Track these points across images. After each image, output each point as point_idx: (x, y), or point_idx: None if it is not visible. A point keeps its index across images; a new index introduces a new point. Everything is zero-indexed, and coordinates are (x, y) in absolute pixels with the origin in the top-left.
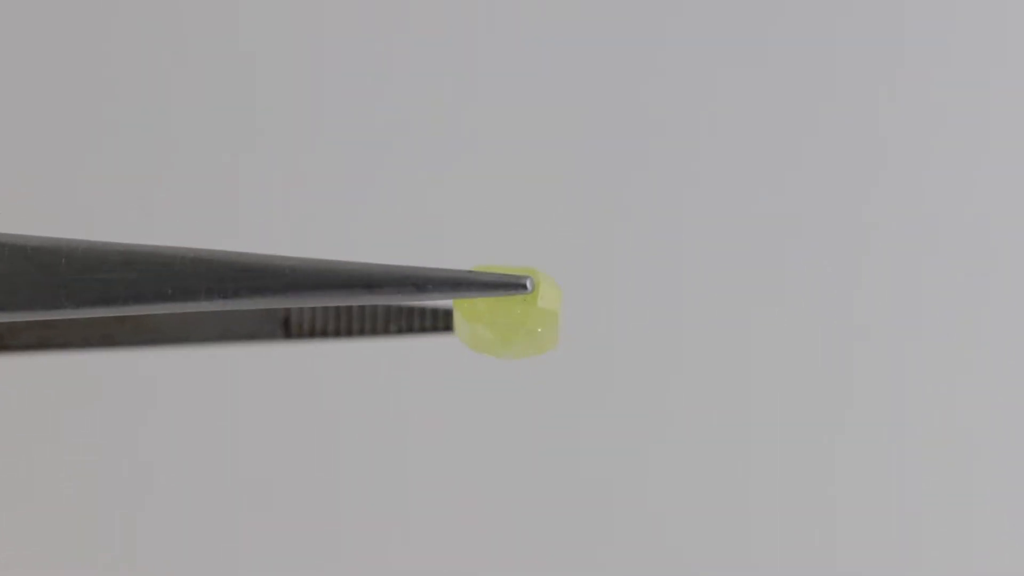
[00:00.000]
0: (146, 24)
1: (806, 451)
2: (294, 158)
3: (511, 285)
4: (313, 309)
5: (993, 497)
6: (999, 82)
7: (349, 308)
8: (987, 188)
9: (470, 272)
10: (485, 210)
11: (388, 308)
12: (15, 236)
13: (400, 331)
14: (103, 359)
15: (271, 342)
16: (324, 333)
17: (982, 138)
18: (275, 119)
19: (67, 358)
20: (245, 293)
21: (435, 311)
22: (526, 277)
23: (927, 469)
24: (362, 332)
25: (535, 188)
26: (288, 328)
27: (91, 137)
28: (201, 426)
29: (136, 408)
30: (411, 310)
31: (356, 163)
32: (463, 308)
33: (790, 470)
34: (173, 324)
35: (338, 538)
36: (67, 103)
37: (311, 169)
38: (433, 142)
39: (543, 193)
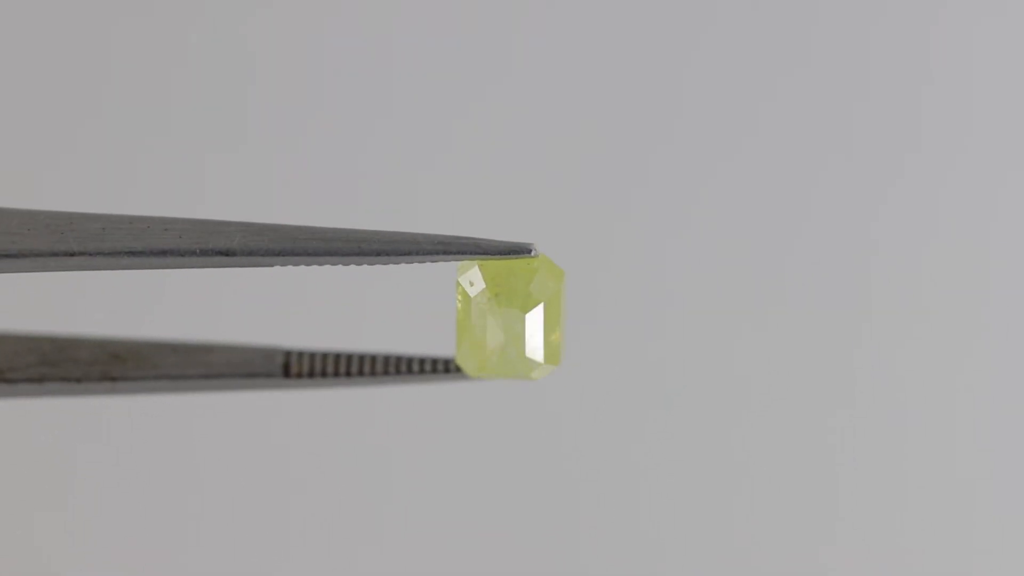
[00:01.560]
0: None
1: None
2: (294, 148)
3: (515, 250)
4: (312, 354)
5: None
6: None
7: (350, 354)
8: (986, 195)
9: (472, 237)
10: (481, 209)
11: (387, 355)
12: (28, 209)
13: (399, 375)
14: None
15: (270, 385)
16: (324, 375)
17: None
18: (272, 98)
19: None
20: (245, 251)
21: (435, 358)
22: (530, 244)
23: (926, 476)
24: (361, 375)
25: (535, 190)
26: (288, 370)
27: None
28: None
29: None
30: (411, 357)
31: (352, 158)
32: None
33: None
34: (173, 361)
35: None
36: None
37: (309, 162)
38: (430, 138)
39: (543, 195)
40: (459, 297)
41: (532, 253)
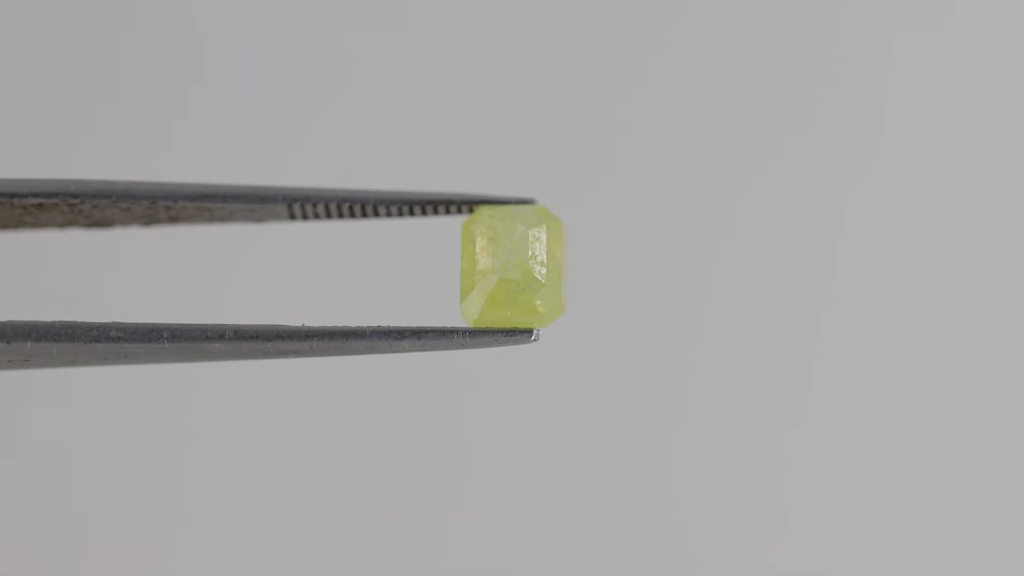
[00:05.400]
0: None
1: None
2: (292, 100)
3: (517, 201)
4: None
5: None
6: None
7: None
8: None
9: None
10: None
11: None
12: None
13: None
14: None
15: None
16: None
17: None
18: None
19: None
20: (238, 199)
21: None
22: (531, 198)
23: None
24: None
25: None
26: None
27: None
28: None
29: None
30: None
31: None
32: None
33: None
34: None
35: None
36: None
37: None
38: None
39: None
40: (463, 247)
41: (533, 202)
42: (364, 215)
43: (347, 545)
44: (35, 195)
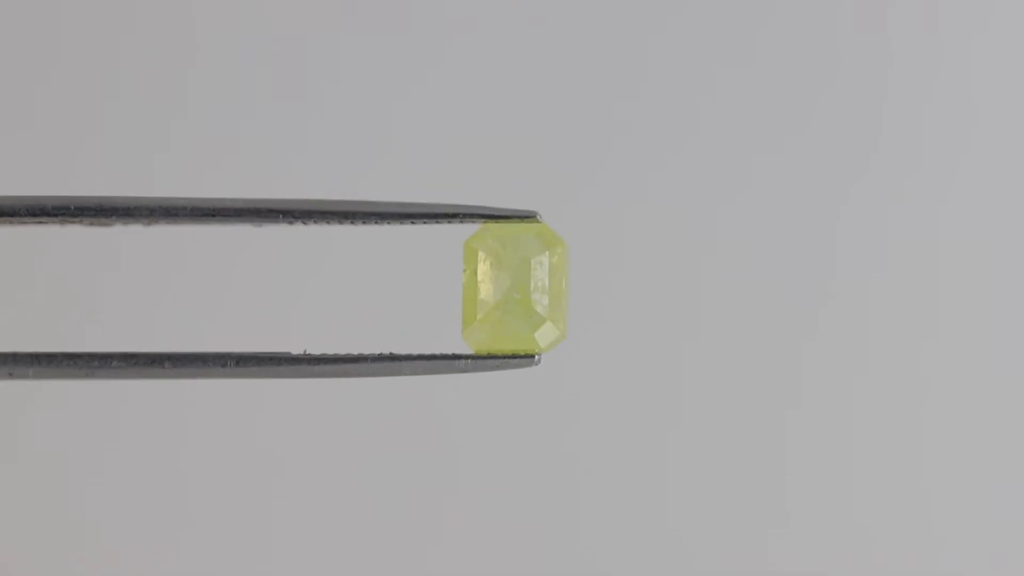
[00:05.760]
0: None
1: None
2: (294, 117)
3: (520, 215)
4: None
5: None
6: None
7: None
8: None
9: (479, 205)
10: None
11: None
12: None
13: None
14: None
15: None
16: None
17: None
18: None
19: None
20: (238, 215)
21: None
22: (534, 211)
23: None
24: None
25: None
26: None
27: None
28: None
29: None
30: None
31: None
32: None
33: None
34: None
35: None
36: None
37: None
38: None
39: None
40: (465, 267)
41: (536, 217)
42: (364, 223)
43: (345, 554)
44: (33, 214)
